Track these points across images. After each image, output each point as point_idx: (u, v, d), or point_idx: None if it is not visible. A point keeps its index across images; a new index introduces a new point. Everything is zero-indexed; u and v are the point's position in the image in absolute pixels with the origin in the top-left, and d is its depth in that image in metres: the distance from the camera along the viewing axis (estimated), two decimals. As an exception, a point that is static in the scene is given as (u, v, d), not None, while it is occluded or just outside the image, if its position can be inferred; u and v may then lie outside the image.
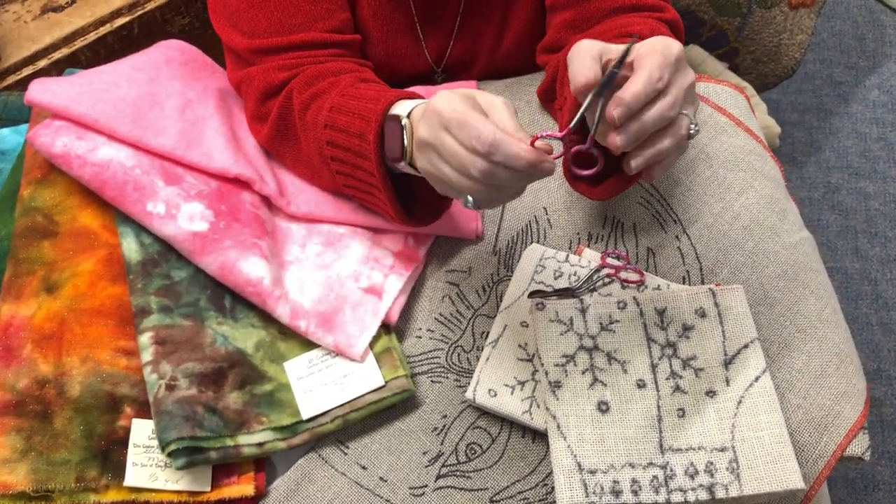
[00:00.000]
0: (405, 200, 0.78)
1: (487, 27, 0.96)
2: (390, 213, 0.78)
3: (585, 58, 0.66)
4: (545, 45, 0.93)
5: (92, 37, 1.25)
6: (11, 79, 1.20)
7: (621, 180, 0.80)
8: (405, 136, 0.69)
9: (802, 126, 1.92)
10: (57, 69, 1.21)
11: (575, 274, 0.85)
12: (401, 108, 0.71)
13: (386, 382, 0.77)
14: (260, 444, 0.73)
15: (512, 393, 0.78)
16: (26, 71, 1.21)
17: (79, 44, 1.24)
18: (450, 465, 0.77)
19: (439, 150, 0.64)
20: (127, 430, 0.72)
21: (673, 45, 0.65)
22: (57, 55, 1.23)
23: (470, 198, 0.64)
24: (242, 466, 0.74)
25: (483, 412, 0.79)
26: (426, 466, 0.77)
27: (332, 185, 0.85)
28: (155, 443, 0.72)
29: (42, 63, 1.22)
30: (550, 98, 0.93)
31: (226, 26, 0.85)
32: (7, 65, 1.20)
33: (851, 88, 1.97)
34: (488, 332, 0.82)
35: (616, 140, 0.65)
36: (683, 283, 0.86)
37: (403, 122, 0.69)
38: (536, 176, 0.62)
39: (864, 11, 2.09)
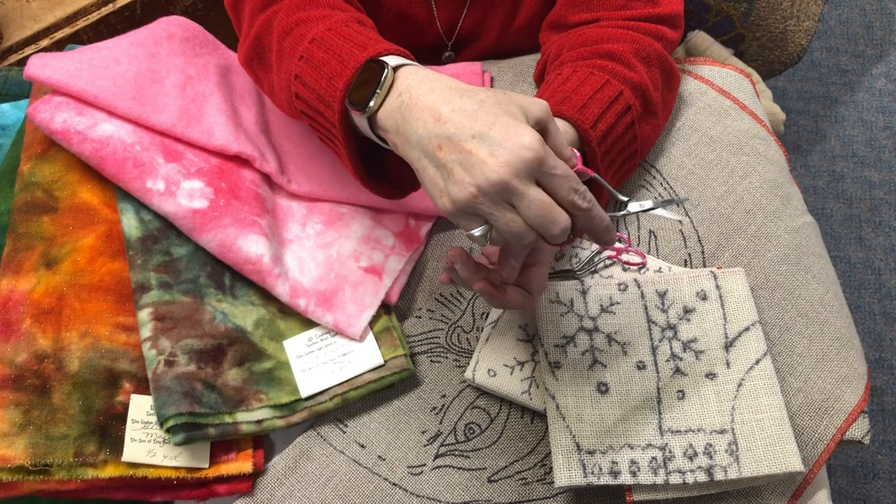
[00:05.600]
0: (372, 161, 0.72)
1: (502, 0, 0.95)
2: (351, 173, 0.71)
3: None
4: (550, 20, 0.92)
5: (94, 16, 1.24)
6: (13, 58, 1.20)
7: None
8: (379, 88, 0.63)
9: (808, 114, 1.91)
10: (59, 49, 1.21)
11: (576, 255, 0.84)
12: (389, 60, 0.65)
13: (385, 361, 0.77)
14: (258, 422, 0.73)
15: (511, 373, 0.77)
16: (28, 50, 1.21)
17: (81, 23, 1.24)
18: (448, 444, 0.77)
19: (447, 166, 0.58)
20: (125, 406, 0.72)
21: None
22: (59, 35, 1.23)
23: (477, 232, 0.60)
24: (241, 443, 0.74)
25: (482, 392, 0.79)
26: (425, 445, 0.77)
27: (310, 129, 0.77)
28: (153, 419, 0.72)
29: (44, 42, 1.22)
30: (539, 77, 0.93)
31: None
32: (9, 44, 1.19)
33: (858, 77, 1.95)
34: (488, 313, 0.82)
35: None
36: (685, 266, 0.85)
37: (386, 71, 0.63)
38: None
39: (872, -1, 2.08)
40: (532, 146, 0.56)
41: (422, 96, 0.60)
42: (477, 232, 0.59)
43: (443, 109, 0.59)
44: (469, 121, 0.57)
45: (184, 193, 0.78)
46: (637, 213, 0.70)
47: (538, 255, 0.70)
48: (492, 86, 0.96)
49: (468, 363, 0.79)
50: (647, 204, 0.70)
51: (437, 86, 0.61)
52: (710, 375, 0.75)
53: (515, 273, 0.68)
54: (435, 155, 0.58)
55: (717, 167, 0.90)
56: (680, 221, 0.71)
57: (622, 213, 0.70)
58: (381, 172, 0.75)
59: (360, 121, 0.65)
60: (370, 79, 0.63)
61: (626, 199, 0.70)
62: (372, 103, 0.63)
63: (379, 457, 0.76)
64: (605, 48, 0.81)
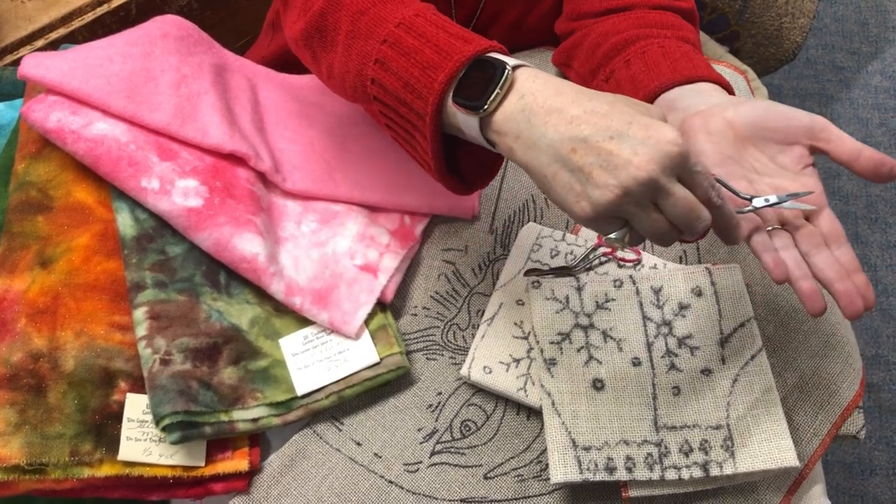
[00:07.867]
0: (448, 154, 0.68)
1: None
2: (429, 166, 0.66)
3: None
4: (568, 12, 0.92)
5: (89, 17, 1.24)
6: (8, 59, 1.20)
7: None
8: (499, 88, 0.59)
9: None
10: (54, 49, 1.21)
11: (571, 252, 0.84)
12: (506, 60, 0.61)
13: (381, 359, 0.77)
14: (254, 420, 0.73)
15: (507, 370, 0.78)
16: (23, 51, 1.21)
17: (76, 24, 1.24)
18: (444, 441, 0.77)
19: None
20: (121, 405, 0.72)
21: None
22: (54, 35, 1.23)
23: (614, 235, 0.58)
24: (237, 442, 0.74)
25: (478, 389, 0.79)
26: (421, 443, 0.77)
27: (370, 115, 0.74)
28: (149, 417, 0.72)
29: (39, 43, 1.22)
30: (566, 62, 0.93)
31: None
32: (3, 45, 1.19)
33: (853, 74, 1.96)
34: (484, 310, 0.82)
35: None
36: (680, 262, 0.85)
37: (507, 71, 0.59)
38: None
39: (867, -3, 2.08)
40: (676, 141, 0.54)
41: (548, 99, 0.58)
42: (615, 235, 0.58)
43: (573, 111, 0.56)
44: (604, 121, 0.55)
45: (178, 192, 0.78)
46: (762, 208, 0.67)
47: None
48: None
49: (464, 360, 0.79)
50: (773, 199, 0.66)
51: (563, 89, 0.58)
52: (706, 371, 0.75)
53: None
54: (569, 159, 0.56)
55: (711, 164, 0.90)
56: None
57: (748, 209, 0.66)
58: (454, 168, 0.70)
59: (468, 120, 0.61)
60: (482, 76, 0.60)
61: (749, 196, 0.67)
62: (488, 104, 0.59)
63: (375, 454, 0.76)
64: (619, 39, 0.81)
